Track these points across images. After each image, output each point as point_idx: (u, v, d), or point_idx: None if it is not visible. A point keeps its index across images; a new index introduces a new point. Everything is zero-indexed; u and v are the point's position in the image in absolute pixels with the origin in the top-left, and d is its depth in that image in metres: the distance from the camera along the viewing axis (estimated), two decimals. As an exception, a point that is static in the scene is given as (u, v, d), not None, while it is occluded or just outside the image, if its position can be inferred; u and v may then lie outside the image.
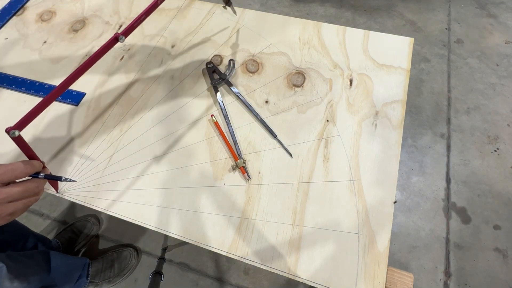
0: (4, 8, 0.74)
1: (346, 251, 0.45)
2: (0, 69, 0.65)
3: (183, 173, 0.52)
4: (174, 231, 0.47)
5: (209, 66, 0.61)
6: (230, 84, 0.59)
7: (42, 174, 0.41)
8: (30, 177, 0.40)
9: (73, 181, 0.49)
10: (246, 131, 0.55)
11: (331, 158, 0.52)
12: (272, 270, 0.44)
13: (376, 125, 0.54)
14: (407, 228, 1.10)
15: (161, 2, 0.48)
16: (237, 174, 0.51)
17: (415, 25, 1.59)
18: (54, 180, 0.43)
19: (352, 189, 0.49)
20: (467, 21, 1.58)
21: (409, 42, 0.62)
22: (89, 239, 1.09)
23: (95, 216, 1.13)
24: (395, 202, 0.47)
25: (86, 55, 0.66)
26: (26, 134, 0.57)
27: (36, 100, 0.61)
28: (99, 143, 0.55)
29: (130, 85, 0.61)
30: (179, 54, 0.65)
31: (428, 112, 1.33)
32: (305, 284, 0.44)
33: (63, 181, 0.43)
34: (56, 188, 0.50)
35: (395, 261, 1.05)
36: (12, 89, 0.62)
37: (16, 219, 0.86)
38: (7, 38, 0.69)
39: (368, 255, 0.44)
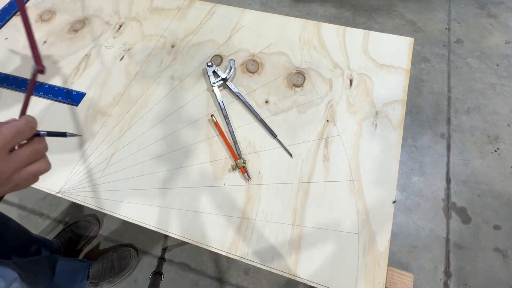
0: (4, 8, 0.74)
1: (346, 251, 0.45)
2: (0, 69, 0.65)
3: (183, 173, 0.52)
4: (174, 231, 0.47)
5: (209, 66, 0.61)
6: (230, 84, 0.59)
7: (44, 131, 0.36)
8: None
9: (78, 135, 0.44)
10: (246, 131, 0.55)
11: (331, 158, 0.52)
12: (272, 270, 0.44)
13: (376, 125, 0.54)
14: (407, 228, 1.10)
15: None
16: (237, 174, 0.51)
17: (415, 25, 1.59)
18: (58, 136, 0.38)
19: (352, 189, 0.49)
20: (467, 21, 1.58)
21: (409, 42, 0.62)
22: (89, 239, 1.10)
23: (95, 216, 1.13)
24: (394, 202, 0.47)
25: (86, 55, 0.66)
26: (26, 134, 0.57)
27: (36, 100, 0.61)
28: (99, 143, 0.55)
29: (130, 85, 0.61)
30: (179, 54, 0.65)
31: (428, 112, 1.33)
32: (305, 284, 0.44)
33: (68, 136, 0.39)
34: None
35: (395, 261, 1.05)
36: (12, 89, 0.62)
37: (18, 222, 0.86)
38: (7, 38, 0.69)
39: (368, 255, 0.44)
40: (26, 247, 0.86)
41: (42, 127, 0.57)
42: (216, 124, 0.55)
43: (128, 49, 0.66)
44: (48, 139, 0.36)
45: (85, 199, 0.50)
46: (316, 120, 0.55)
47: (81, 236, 1.07)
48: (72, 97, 0.60)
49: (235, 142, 0.53)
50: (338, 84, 0.59)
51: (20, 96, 0.61)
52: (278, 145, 0.53)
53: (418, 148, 1.25)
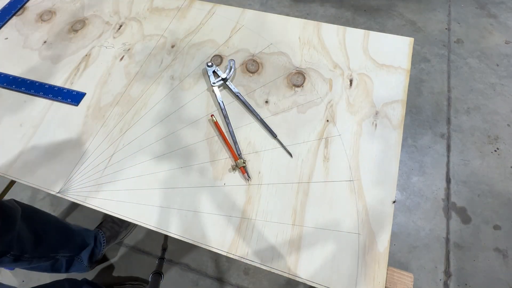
0: (4, 8, 0.74)
1: (346, 251, 0.45)
2: (0, 69, 0.65)
3: (183, 173, 0.52)
4: (174, 231, 0.47)
5: (209, 66, 0.61)
6: (230, 84, 0.59)
7: None
8: None
9: None
10: (246, 131, 0.55)
11: (331, 158, 0.52)
12: (272, 270, 0.44)
13: (376, 125, 0.54)
14: (407, 228, 1.10)
15: None
16: (237, 174, 0.51)
17: (415, 25, 1.59)
18: None
19: (352, 189, 0.49)
20: (467, 21, 1.58)
21: (409, 42, 0.62)
22: (130, 229, 1.11)
23: None
24: (394, 202, 0.47)
25: (86, 55, 0.66)
26: (27, 135, 0.57)
27: (36, 100, 0.61)
28: (99, 143, 0.55)
29: (130, 85, 0.61)
30: (179, 54, 0.65)
31: (428, 112, 1.33)
32: (305, 284, 0.44)
33: None
34: None
35: (395, 261, 1.05)
36: (12, 89, 0.62)
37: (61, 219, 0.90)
38: (7, 38, 0.69)
39: (368, 255, 0.44)
40: (69, 239, 0.89)
41: (42, 127, 0.57)
42: (216, 124, 0.55)
43: (128, 49, 0.66)
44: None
45: (85, 199, 0.50)
46: (316, 120, 0.55)
47: (122, 225, 1.08)
48: (72, 97, 0.60)
49: (235, 142, 0.53)
50: (338, 84, 0.59)
51: (20, 96, 0.61)
52: (278, 145, 0.53)
53: (418, 148, 1.25)
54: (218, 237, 0.47)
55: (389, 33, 0.64)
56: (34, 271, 0.86)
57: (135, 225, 1.11)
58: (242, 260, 0.45)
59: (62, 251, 0.85)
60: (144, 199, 0.50)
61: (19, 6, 0.74)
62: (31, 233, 0.75)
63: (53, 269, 0.86)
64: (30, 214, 0.79)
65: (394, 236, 1.08)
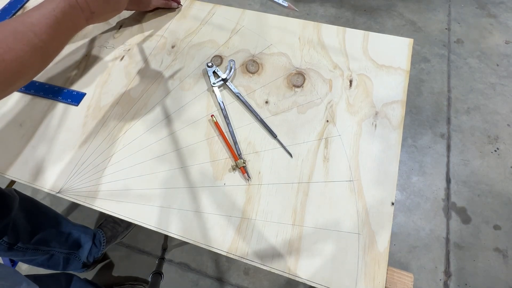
0: (4, 8, 0.74)
1: (346, 251, 0.45)
2: (0, 69, 0.65)
3: (183, 173, 0.52)
4: (174, 231, 0.47)
5: (209, 66, 0.61)
6: (230, 85, 0.59)
7: None
8: None
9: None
10: (246, 131, 0.55)
11: (331, 158, 0.52)
12: (272, 270, 0.44)
13: (376, 125, 0.54)
14: (407, 228, 1.10)
15: None
16: (237, 174, 0.51)
17: (415, 25, 1.59)
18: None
19: (352, 189, 0.49)
20: (467, 21, 1.59)
21: (408, 43, 0.62)
22: (131, 228, 1.11)
23: None
24: (392, 204, 0.47)
25: (86, 55, 0.66)
26: (27, 135, 0.57)
27: (36, 100, 0.61)
28: (99, 143, 0.55)
29: (130, 85, 0.61)
30: (179, 54, 0.65)
31: (428, 112, 1.33)
32: (305, 284, 0.44)
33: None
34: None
35: (395, 261, 1.05)
36: (12, 89, 0.62)
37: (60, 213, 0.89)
38: (7, 38, 0.69)
39: (368, 255, 0.44)
40: (66, 235, 0.89)
41: (42, 127, 0.57)
42: (216, 124, 0.55)
43: (128, 49, 0.66)
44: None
45: (85, 199, 0.50)
46: (316, 121, 0.55)
47: (122, 225, 1.08)
48: (72, 97, 0.60)
49: (235, 142, 0.53)
50: (338, 84, 0.59)
51: (20, 96, 0.61)
52: (278, 145, 0.53)
53: (418, 148, 1.25)
54: (218, 237, 0.47)
55: (389, 33, 0.64)
56: (33, 267, 0.86)
57: (135, 225, 1.11)
58: (242, 260, 0.45)
59: (56, 245, 0.86)
60: (144, 199, 0.50)
61: (19, 6, 0.74)
62: (28, 223, 0.76)
63: (50, 265, 0.86)
64: (30, 205, 0.80)
65: (394, 236, 1.08)
